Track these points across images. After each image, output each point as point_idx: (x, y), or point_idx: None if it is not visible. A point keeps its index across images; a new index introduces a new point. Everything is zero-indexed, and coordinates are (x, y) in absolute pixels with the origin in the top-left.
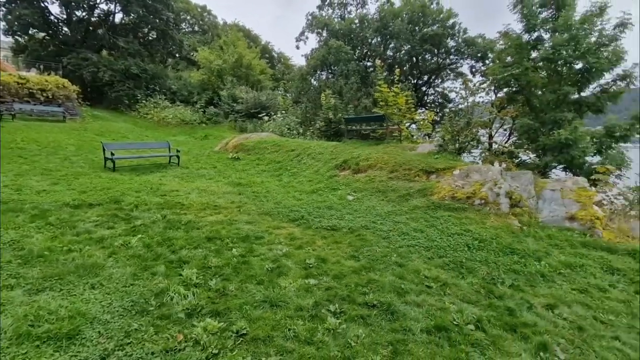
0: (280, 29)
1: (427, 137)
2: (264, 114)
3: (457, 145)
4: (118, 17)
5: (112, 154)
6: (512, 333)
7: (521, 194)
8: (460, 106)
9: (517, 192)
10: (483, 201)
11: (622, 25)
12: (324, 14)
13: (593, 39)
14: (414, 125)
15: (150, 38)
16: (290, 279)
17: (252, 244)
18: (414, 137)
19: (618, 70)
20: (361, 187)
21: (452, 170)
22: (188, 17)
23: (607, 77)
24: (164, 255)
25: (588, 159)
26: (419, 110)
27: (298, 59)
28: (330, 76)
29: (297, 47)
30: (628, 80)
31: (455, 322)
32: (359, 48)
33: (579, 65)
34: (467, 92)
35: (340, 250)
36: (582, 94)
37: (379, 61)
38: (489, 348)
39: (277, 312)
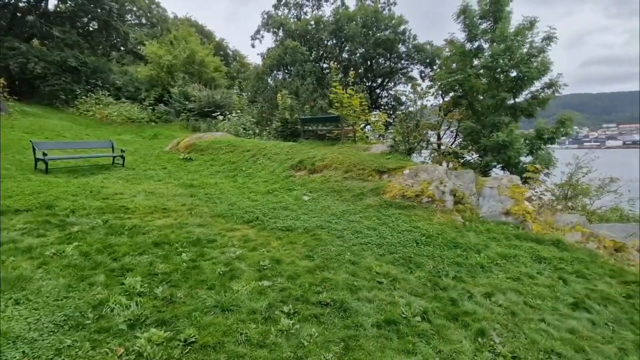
0: (235, 25)
1: (381, 138)
2: (218, 113)
3: (407, 145)
4: (52, 4)
5: (45, 154)
6: (455, 322)
7: (464, 191)
8: (410, 109)
9: (461, 189)
10: (430, 199)
11: (549, 38)
12: (279, 14)
13: (525, 50)
14: (368, 127)
15: (90, 29)
16: (243, 282)
17: (203, 248)
18: (369, 138)
19: (545, 79)
20: (317, 187)
21: (402, 170)
22: (134, 9)
23: (537, 85)
24: (104, 263)
25: (522, 158)
26: (373, 112)
27: (254, 58)
28: (286, 76)
29: (253, 46)
30: (554, 88)
31: (403, 315)
32: (315, 49)
33: (513, 74)
34: (416, 95)
35: (295, 251)
36: (517, 99)
37: (334, 63)
38: (434, 337)
39: (229, 317)
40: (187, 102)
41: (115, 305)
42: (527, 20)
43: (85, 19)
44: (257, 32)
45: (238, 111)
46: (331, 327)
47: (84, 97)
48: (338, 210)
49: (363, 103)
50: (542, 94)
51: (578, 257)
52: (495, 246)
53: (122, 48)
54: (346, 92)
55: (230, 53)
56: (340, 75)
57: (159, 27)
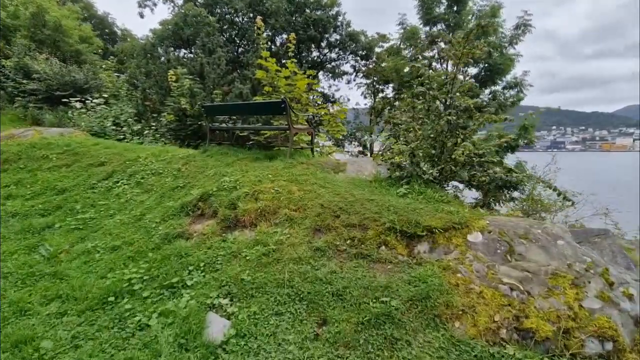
0: None
1: (335, 146)
2: (78, 99)
3: (437, 166)
4: None
5: None
6: None
7: None
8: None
9: None
10: (600, 340)
11: (524, 26)
12: None
13: (492, 39)
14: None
15: None
16: None
17: None
18: (322, 144)
19: (508, 77)
20: (250, 281)
21: (465, 233)
22: None
23: (499, 84)
24: None
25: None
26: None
27: (144, 33)
28: (188, 53)
29: (142, 16)
30: (518, 88)
31: None
32: (227, 29)
33: (474, 71)
34: (445, 52)
35: None
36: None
37: (259, 18)
38: None
39: None
40: (27, 81)
41: None
42: (487, 5)
43: None
44: None
45: (105, 96)
46: None
47: None
48: None
49: (314, 86)
50: (503, 95)
51: None
52: None
53: None
54: (285, 68)
55: (119, 32)
56: (267, 44)
57: None
